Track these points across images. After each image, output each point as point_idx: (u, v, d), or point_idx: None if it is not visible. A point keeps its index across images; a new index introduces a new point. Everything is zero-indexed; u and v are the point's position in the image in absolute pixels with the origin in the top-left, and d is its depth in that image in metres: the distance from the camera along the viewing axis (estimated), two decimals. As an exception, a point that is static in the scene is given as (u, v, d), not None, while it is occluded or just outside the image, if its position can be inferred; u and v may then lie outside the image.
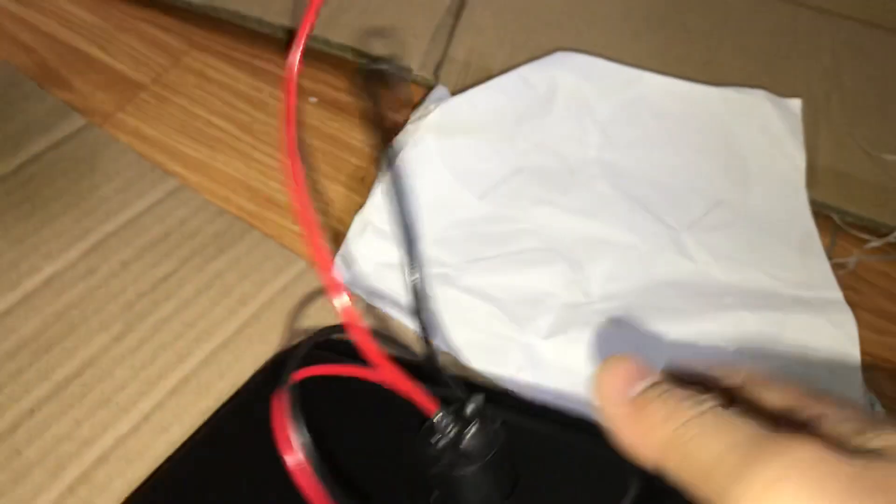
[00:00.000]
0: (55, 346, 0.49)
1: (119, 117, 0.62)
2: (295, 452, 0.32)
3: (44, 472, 0.45)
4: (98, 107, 0.62)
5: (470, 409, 0.35)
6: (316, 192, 0.59)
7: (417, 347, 0.36)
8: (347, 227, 0.56)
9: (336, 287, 0.29)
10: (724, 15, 0.71)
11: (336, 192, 0.59)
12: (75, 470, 0.45)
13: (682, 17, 0.71)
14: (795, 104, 0.63)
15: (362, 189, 0.59)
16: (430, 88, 0.65)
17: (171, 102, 0.63)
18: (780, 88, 0.65)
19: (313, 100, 0.64)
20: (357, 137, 0.62)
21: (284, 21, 0.66)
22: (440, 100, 0.62)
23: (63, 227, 0.55)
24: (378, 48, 0.66)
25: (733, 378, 0.30)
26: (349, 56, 0.66)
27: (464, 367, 0.50)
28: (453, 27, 0.69)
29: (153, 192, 0.57)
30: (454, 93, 0.64)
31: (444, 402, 0.35)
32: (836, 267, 0.57)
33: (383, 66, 0.60)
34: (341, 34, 0.67)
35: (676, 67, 0.66)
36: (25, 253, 0.54)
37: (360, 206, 0.57)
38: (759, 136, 0.62)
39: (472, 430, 0.35)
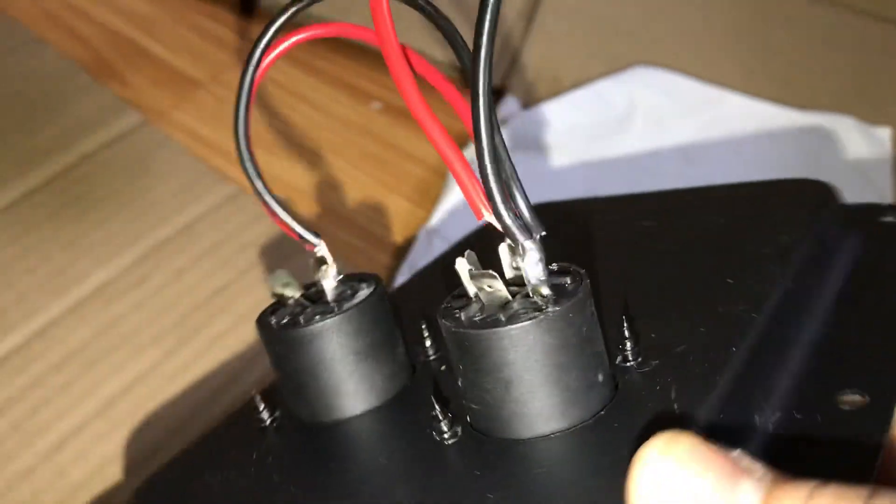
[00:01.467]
0: (104, 360, 0.47)
1: (175, 116, 0.59)
2: None
3: (89, 497, 0.43)
4: (154, 103, 0.60)
5: (530, 255, 0.24)
6: (376, 204, 0.56)
7: None
8: (410, 241, 0.53)
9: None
10: (808, 31, 0.68)
11: (398, 205, 0.56)
12: (122, 497, 0.43)
13: (765, 32, 0.67)
14: (884, 133, 0.60)
15: (426, 202, 0.56)
16: (497, 97, 0.62)
17: (229, 102, 0.60)
18: (868, 109, 0.61)
19: (377, 105, 0.61)
20: (422, 147, 0.59)
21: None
22: (510, 113, 0.59)
23: (115, 230, 0.53)
24: (442, 52, 0.64)
25: None
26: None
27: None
28: (524, 33, 0.65)
29: (209, 196, 0.55)
30: (524, 103, 0.61)
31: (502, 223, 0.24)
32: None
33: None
34: (404, 36, 0.64)
35: (758, 85, 0.62)
36: (76, 257, 0.51)
37: (425, 220, 0.54)
38: (844, 165, 0.59)
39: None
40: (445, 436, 0.26)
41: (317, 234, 0.31)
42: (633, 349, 0.26)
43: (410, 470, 0.26)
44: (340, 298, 0.30)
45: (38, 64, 0.61)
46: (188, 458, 0.33)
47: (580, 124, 0.58)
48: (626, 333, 0.26)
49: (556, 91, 0.62)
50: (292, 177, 0.56)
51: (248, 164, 0.31)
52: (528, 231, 0.24)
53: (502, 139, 0.24)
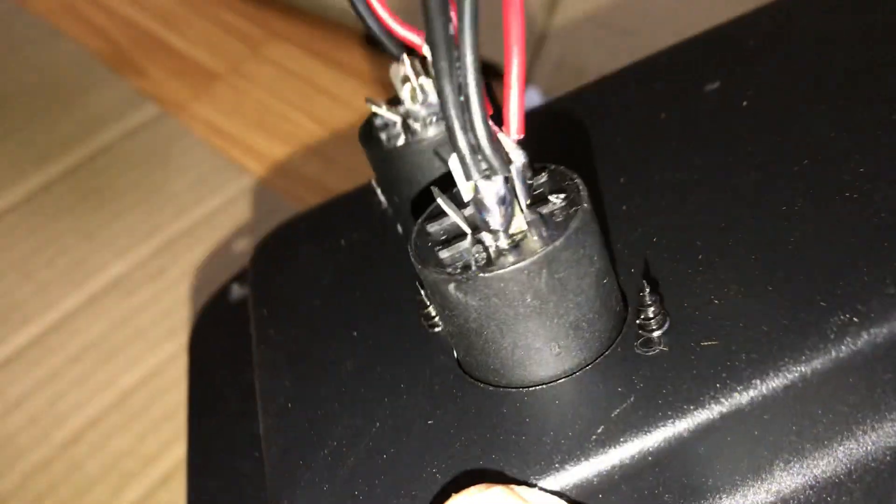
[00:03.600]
0: (120, 353, 0.47)
1: (193, 108, 0.59)
2: None
3: (105, 490, 0.42)
4: (172, 95, 0.59)
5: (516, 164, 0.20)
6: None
7: None
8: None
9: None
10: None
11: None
12: (137, 489, 0.42)
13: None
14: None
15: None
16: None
17: (248, 94, 0.60)
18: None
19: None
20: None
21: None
22: (531, 103, 0.58)
23: (133, 222, 0.52)
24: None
25: None
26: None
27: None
28: (547, 22, 0.64)
29: (227, 188, 0.54)
30: (546, 93, 0.60)
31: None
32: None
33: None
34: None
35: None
36: (95, 248, 0.51)
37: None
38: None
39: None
40: (433, 321, 0.25)
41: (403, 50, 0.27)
42: (655, 318, 0.21)
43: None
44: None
45: (57, 56, 0.61)
46: (311, 219, 0.34)
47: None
48: (648, 300, 0.22)
49: (580, 82, 0.61)
50: (310, 169, 0.56)
51: None
52: (483, 162, 0.19)
53: (474, 43, 0.18)
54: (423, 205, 0.26)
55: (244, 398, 0.31)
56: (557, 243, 0.20)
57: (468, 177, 0.20)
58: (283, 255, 0.32)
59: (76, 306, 0.49)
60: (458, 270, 0.20)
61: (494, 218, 0.20)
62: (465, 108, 0.19)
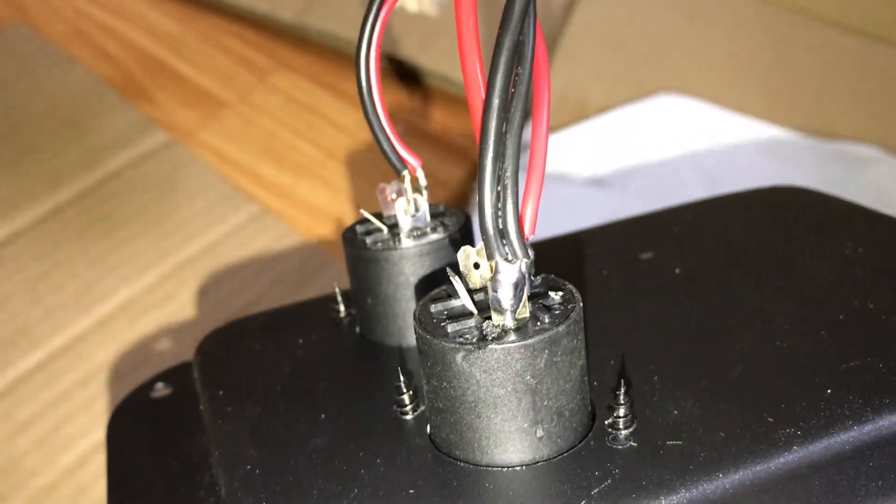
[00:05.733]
0: (128, 378, 0.47)
1: (202, 135, 0.60)
2: None
3: (111, 514, 0.43)
4: (181, 123, 0.60)
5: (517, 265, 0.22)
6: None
7: None
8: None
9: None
10: (834, 61, 0.68)
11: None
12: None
13: (790, 61, 0.67)
14: (911, 162, 0.59)
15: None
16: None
17: (256, 123, 0.61)
18: (893, 139, 0.61)
19: (400, 127, 0.62)
20: (445, 170, 0.59)
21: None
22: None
23: (142, 248, 0.53)
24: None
25: None
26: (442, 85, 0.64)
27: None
28: (549, 56, 0.66)
29: (235, 216, 0.55)
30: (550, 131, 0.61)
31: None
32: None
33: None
34: (439, 62, 0.64)
35: (783, 114, 0.62)
36: (103, 274, 0.52)
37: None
38: (869, 195, 0.59)
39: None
40: (406, 409, 0.26)
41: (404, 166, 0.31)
42: (624, 417, 0.24)
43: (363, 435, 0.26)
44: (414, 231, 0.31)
45: (68, 81, 0.62)
46: (256, 321, 0.35)
47: (603, 150, 0.59)
48: (622, 399, 0.24)
49: (582, 115, 0.62)
50: (317, 197, 0.57)
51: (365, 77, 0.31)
52: (507, 249, 0.22)
53: (517, 137, 0.21)
54: (397, 306, 0.30)
55: (170, 484, 0.30)
56: (561, 328, 0.22)
57: (490, 256, 0.22)
58: (232, 347, 0.33)
59: (84, 331, 0.49)
60: (468, 342, 0.22)
61: (507, 297, 0.22)
62: (500, 197, 0.22)
